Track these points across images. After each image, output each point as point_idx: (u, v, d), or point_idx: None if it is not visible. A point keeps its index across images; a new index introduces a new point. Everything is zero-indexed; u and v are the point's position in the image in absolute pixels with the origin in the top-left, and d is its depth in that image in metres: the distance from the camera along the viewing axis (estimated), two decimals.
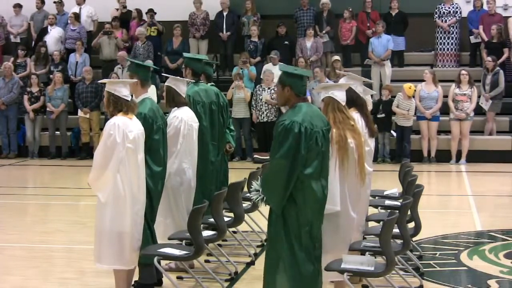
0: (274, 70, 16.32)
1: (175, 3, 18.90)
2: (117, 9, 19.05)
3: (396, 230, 6.41)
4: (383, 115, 15.53)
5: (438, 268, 8.03)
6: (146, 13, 18.44)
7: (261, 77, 16.43)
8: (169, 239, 7.26)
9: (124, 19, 18.77)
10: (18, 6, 19.14)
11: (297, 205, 5.55)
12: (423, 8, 18.03)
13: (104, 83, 6.71)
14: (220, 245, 8.45)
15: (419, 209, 7.47)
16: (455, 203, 12.53)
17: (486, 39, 17.10)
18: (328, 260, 5.94)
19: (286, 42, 17.64)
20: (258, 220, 9.07)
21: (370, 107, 8.29)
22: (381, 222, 6.73)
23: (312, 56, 17.18)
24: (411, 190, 7.64)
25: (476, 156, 15.67)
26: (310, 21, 17.91)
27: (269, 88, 16.04)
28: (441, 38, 17.63)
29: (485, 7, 17.61)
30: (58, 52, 17.86)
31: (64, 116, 17.06)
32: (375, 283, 6.71)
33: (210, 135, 8.36)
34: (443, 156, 15.75)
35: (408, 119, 15.52)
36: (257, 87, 16.25)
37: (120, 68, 16.79)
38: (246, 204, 8.37)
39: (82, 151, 16.93)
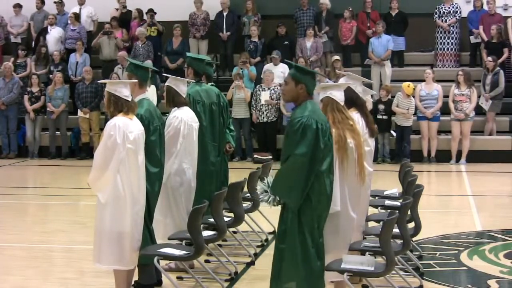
0: (274, 70, 16.34)
1: (175, 3, 18.91)
2: (117, 9, 19.05)
3: (396, 230, 6.41)
4: (384, 116, 15.51)
5: (438, 268, 8.03)
6: (146, 13, 18.44)
7: (261, 77, 16.43)
8: (169, 239, 7.26)
9: (124, 19, 18.77)
10: (18, 6, 19.14)
11: (311, 202, 5.61)
12: (423, 8, 18.04)
13: (105, 83, 6.71)
14: (220, 245, 8.45)
15: (419, 209, 7.47)
16: (455, 203, 12.52)
17: (486, 39, 17.11)
18: (329, 260, 5.95)
19: (286, 42, 17.64)
20: (258, 220, 9.08)
21: (370, 106, 8.30)
22: (381, 222, 6.73)
23: (312, 56, 17.18)
24: (411, 190, 7.64)
25: (476, 156, 15.67)
26: (310, 21, 17.91)
27: (269, 88, 16.04)
28: (441, 38, 17.64)
29: (485, 7, 17.61)
30: (58, 52, 17.86)
31: (64, 116, 17.06)
32: (375, 283, 6.72)
33: (210, 135, 8.37)
34: (443, 156, 15.76)
35: (407, 118, 15.52)
36: (257, 87, 16.25)
37: (120, 68, 16.79)
38: (246, 204, 8.38)
39: (82, 151, 16.94)
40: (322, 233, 5.78)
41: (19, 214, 11.47)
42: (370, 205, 7.94)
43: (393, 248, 6.23)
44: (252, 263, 8.12)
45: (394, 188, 9.09)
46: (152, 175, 6.83)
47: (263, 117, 16.04)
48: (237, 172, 11.16)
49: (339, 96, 6.19)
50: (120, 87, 6.54)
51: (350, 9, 17.83)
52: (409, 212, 7.04)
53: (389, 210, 7.78)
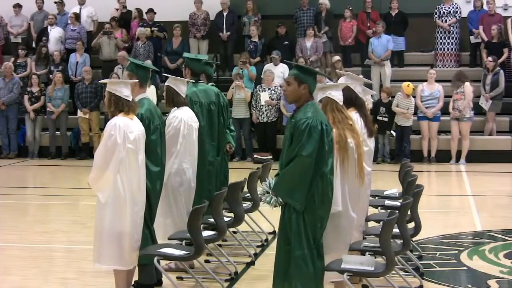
0: (274, 70, 16.33)
1: (175, 3, 18.91)
2: (117, 9, 19.05)
3: (396, 230, 6.41)
4: (384, 118, 15.51)
5: (438, 268, 8.03)
6: (146, 13, 18.44)
7: (262, 77, 16.43)
8: (169, 239, 7.26)
9: (124, 19, 18.77)
10: (18, 6, 19.14)
11: (315, 203, 5.62)
12: (423, 8, 18.04)
13: (105, 84, 6.71)
14: (220, 245, 8.45)
15: (419, 209, 7.47)
16: (455, 203, 12.52)
17: (486, 39, 17.11)
18: (329, 260, 5.95)
19: (286, 42, 17.64)
20: (258, 220, 9.08)
21: (370, 106, 8.29)
22: (381, 222, 6.73)
23: (312, 56, 17.18)
24: (411, 190, 7.64)
25: (476, 156, 15.67)
26: (310, 21, 17.92)
27: (269, 89, 16.04)
28: (441, 38, 17.64)
29: (485, 7, 17.61)
30: (58, 52, 17.86)
31: (64, 116, 17.05)
32: (375, 283, 6.72)
33: (208, 135, 8.36)
34: (443, 156, 15.76)
35: (407, 118, 15.52)
36: (257, 87, 16.25)
37: (120, 68, 16.79)
38: (246, 204, 8.38)
39: (82, 151, 16.93)
40: (323, 234, 5.78)
41: (19, 214, 11.46)
42: (370, 205, 7.94)
43: (393, 248, 6.23)
44: (252, 263, 8.12)
45: (394, 188, 9.09)
46: (154, 174, 6.83)
47: (263, 117, 16.04)
48: (237, 172, 11.16)
49: (338, 96, 6.19)
50: (121, 87, 6.54)
51: (350, 8, 17.84)
52: (409, 212, 7.04)
53: (389, 210, 7.77)
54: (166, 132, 7.33)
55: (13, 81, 17.20)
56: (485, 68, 16.32)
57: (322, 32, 17.77)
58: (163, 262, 7.23)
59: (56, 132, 17.11)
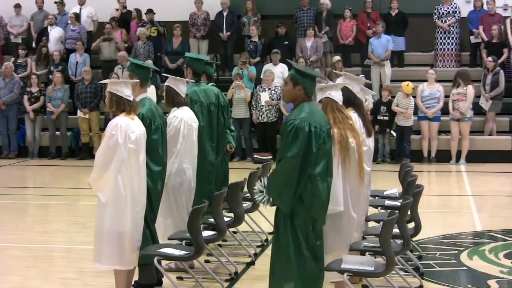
0: (274, 70, 16.33)
1: (175, 3, 18.91)
2: (117, 9, 19.05)
3: (396, 230, 6.41)
4: (385, 117, 15.51)
5: (438, 268, 8.03)
6: (146, 13, 18.44)
7: (261, 77, 16.43)
8: (169, 239, 7.26)
9: (124, 19, 18.77)
10: (18, 6, 19.14)
11: (304, 205, 5.58)
12: (423, 8, 18.03)
13: (105, 84, 6.71)
14: (220, 245, 8.45)
15: (419, 209, 7.47)
16: (455, 203, 12.52)
17: (486, 39, 17.11)
18: (330, 260, 5.94)
19: (286, 42, 17.63)
20: (258, 220, 9.08)
21: (370, 106, 8.29)
22: (381, 222, 6.73)
23: (312, 56, 17.18)
24: (411, 190, 7.64)
25: (476, 156, 15.67)
26: (310, 21, 17.92)
27: (269, 89, 16.05)
28: (441, 38, 17.64)
29: (485, 7, 17.61)
30: (58, 52, 17.86)
31: (64, 116, 17.05)
32: (375, 283, 6.72)
33: (207, 135, 8.36)
34: (443, 156, 15.75)
35: (407, 118, 15.52)
36: (257, 87, 16.25)
37: (120, 68, 16.80)
38: (246, 204, 8.38)
39: (82, 151, 16.93)
40: (321, 235, 5.75)
41: (19, 214, 11.47)
42: (370, 205, 7.93)
43: (393, 248, 6.23)
44: (252, 263, 8.12)
45: (394, 188, 9.09)
46: (155, 173, 6.85)
47: (264, 117, 16.04)
48: (237, 172, 11.16)
49: (337, 96, 6.19)
50: (122, 86, 6.55)
51: (350, 8, 17.84)
52: (409, 212, 7.04)
53: (389, 210, 7.78)
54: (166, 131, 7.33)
55: (13, 81, 17.20)
56: (485, 68, 16.32)
57: (323, 32, 17.78)
58: (163, 262, 7.23)
59: (56, 132, 17.11)
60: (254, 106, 16.12)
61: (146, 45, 17.62)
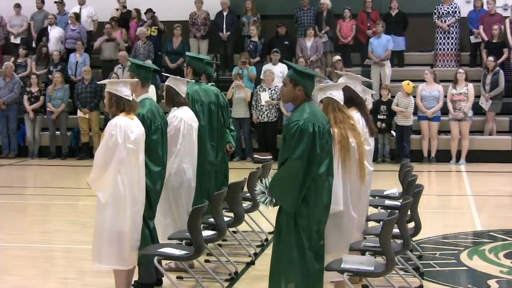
0: (274, 70, 16.33)
1: (175, 3, 18.91)
2: (117, 9, 19.06)
3: (396, 230, 6.41)
4: (386, 116, 15.53)
5: (438, 268, 8.03)
6: (145, 13, 18.44)
7: (261, 77, 16.43)
8: (169, 239, 7.26)
9: (124, 19, 18.78)
10: (18, 6, 19.14)
11: (308, 205, 5.58)
12: (423, 8, 18.03)
13: (105, 84, 6.70)
14: (220, 245, 8.45)
15: (419, 209, 7.47)
16: (455, 203, 12.52)
17: (486, 39, 17.11)
18: (330, 260, 5.94)
19: (286, 42, 17.64)
20: (258, 220, 9.08)
21: (370, 106, 8.29)
22: (381, 222, 6.73)
23: (312, 56, 17.18)
24: (411, 190, 7.64)
25: (476, 156, 15.67)
26: (311, 21, 17.92)
27: (269, 89, 16.05)
28: (440, 38, 17.64)
29: (485, 7, 17.62)
30: (58, 52, 17.86)
31: (64, 116, 17.05)
32: (375, 283, 6.71)
33: (208, 134, 8.36)
34: (443, 156, 15.76)
35: (407, 117, 15.51)
36: (257, 87, 16.25)
37: (120, 68, 16.80)
38: (246, 204, 8.38)
39: (82, 151, 16.93)
40: (323, 236, 5.76)
41: (19, 214, 11.46)
42: (370, 205, 7.93)
43: (393, 248, 6.23)
44: (252, 263, 8.12)
45: (394, 188, 9.09)
46: (154, 173, 6.85)
47: (264, 117, 16.04)
48: (237, 172, 11.16)
49: (338, 95, 6.18)
50: (121, 86, 6.55)
51: (349, 8, 17.84)
52: (409, 212, 7.04)
53: (389, 210, 7.78)
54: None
55: (13, 81, 17.20)
56: (485, 68, 16.32)
57: (323, 32, 17.78)
58: (163, 262, 7.22)
59: (56, 132, 17.11)
60: (254, 106, 16.12)
61: (146, 45, 17.62)
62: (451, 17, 17.51)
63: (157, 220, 7.21)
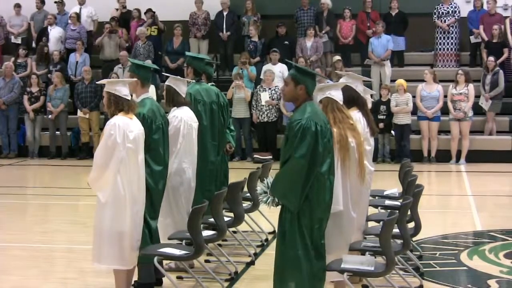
0: (274, 70, 16.33)
1: (175, 3, 18.91)
2: (117, 9, 19.06)
3: (396, 230, 6.41)
4: (384, 116, 15.54)
5: (438, 268, 8.03)
6: (145, 13, 18.44)
7: (261, 77, 16.43)
8: (169, 239, 7.26)
9: (124, 19, 18.78)
10: (18, 6, 19.14)
11: (311, 203, 5.59)
12: (423, 8, 18.03)
13: (104, 84, 6.71)
14: (220, 245, 8.45)
15: (419, 209, 7.47)
16: (455, 203, 12.53)
17: (486, 39, 17.10)
18: (330, 260, 5.94)
19: (286, 42, 17.64)
20: (258, 220, 9.08)
21: (369, 106, 8.28)
22: (381, 222, 6.73)
23: (312, 56, 17.18)
24: (411, 190, 7.64)
25: (476, 156, 15.67)
26: (311, 21, 17.92)
27: (269, 88, 16.05)
28: (440, 38, 17.64)
29: (485, 7, 17.61)
30: (58, 52, 17.86)
31: (64, 116, 17.05)
32: (375, 283, 6.71)
33: (209, 134, 8.37)
34: (443, 156, 15.75)
35: (407, 112, 15.51)
36: (257, 87, 16.25)
37: (120, 68, 16.81)
38: (246, 204, 8.38)
39: (82, 151, 16.93)
40: (324, 234, 5.77)
41: (19, 214, 11.46)
42: (370, 205, 7.93)
43: (393, 248, 6.23)
44: (252, 263, 8.12)
45: (394, 188, 9.09)
46: (156, 173, 6.85)
47: (264, 117, 16.04)
48: (237, 172, 11.17)
49: (338, 95, 6.18)
50: (119, 86, 6.55)
51: (349, 8, 17.85)
52: (409, 212, 7.04)
53: (389, 210, 7.78)
54: None
55: (13, 81, 17.20)
56: (485, 68, 16.31)
57: (324, 32, 17.78)
58: (164, 262, 7.22)
59: (56, 132, 17.11)
60: (255, 106, 16.12)
61: (146, 45, 17.62)
62: (451, 17, 17.51)
63: (157, 220, 7.20)
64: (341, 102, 6.19)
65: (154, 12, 18.36)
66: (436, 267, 8.05)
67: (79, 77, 17.34)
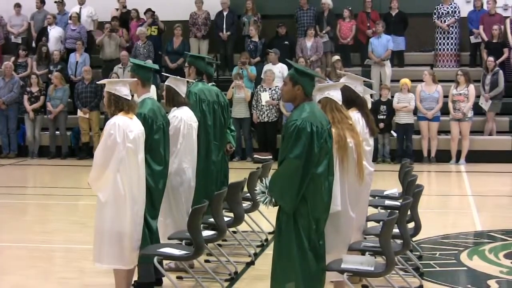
0: (274, 70, 16.32)
1: (175, 2, 18.92)
2: (117, 9, 19.06)
3: (396, 230, 6.41)
4: (384, 116, 15.55)
5: (438, 268, 8.03)
6: (145, 13, 18.44)
7: (262, 77, 16.43)
8: (169, 239, 7.26)
9: (124, 19, 18.78)
10: (18, 6, 19.15)
11: (307, 204, 5.58)
12: (423, 8, 18.02)
13: (104, 83, 6.71)
14: (220, 245, 8.45)
15: (419, 209, 7.47)
16: (455, 203, 12.52)
17: (486, 39, 17.10)
18: (329, 260, 5.94)
19: (286, 42, 17.64)
20: (258, 220, 9.08)
21: (369, 106, 8.29)
22: (381, 222, 6.73)
23: (313, 56, 17.18)
24: (411, 190, 7.64)
25: (476, 156, 15.67)
26: (311, 21, 17.92)
27: (270, 88, 16.05)
28: (440, 38, 17.64)
29: (485, 7, 17.62)
30: (58, 52, 17.86)
31: (63, 116, 17.05)
32: (375, 283, 6.72)
33: (213, 134, 8.37)
34: (443, 156, 15.75)
35: (409, 111, 15.51)
36: (258, 87, 16.25)
37: (121, 67, 16.81)
38: (246, 204, 8.38)
39: (82, 151, 16.93)
40: (323, 235, 5.76)
41: (19, 214, 11.46)
42: (370, 205, 7.94)
43: (393, 248, 6.23)
44: (252, 263, 8.12)
45: (394, 188, 9.09)
46: (156, 173, 6.86)
47: (264, 117, 16.04)
48: (237, 172, 11.16)
49: (337, 95, 6.18)
50: (119, 86, 6.55)
51: (349, 8, 17.85)
52: (409, 212, 7.04)
53: (389, 210, 7.78)
54: None
55: (13, 81, 17.20)
56: (484, 68, 16.32)
57: (324, 32, 17.78)
58: (164, 262, 7.22)
59: (56, 132, 17.11)
60: (255, 106, 16.12)
61: (146, 45, 17.63)
62: (451, 17, 17.51)
63: (157, 220, 7.20)
64: (340, 102, 6.19)
65: (154, 12, 18.37)
66: (436, 267, 8.05)
67: (79, 77, 17.34)
